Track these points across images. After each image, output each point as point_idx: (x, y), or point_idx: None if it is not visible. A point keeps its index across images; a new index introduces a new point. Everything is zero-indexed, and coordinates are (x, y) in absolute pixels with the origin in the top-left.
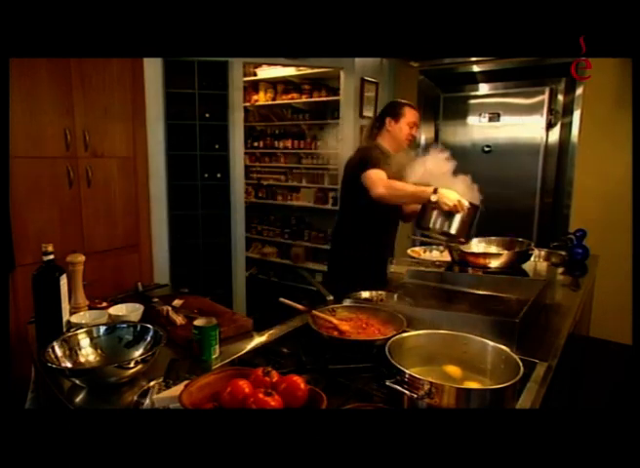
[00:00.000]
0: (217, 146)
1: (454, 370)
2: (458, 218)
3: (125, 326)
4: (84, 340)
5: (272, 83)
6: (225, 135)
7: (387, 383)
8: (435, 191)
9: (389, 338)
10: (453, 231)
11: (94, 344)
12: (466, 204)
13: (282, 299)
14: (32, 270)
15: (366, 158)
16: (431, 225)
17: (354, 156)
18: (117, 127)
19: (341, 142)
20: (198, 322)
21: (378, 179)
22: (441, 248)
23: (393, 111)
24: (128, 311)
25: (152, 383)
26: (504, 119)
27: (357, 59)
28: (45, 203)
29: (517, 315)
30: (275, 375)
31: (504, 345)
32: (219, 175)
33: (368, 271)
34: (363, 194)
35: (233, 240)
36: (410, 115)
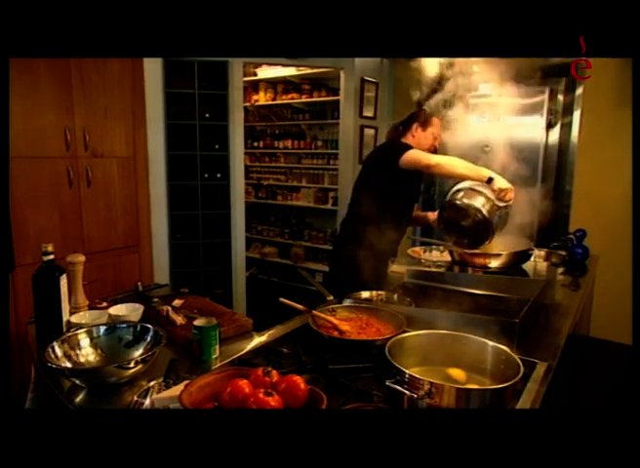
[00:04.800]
0: (217, 146)
1: (458, 373)
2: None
3: (125, 326)
4: (84, 340)
5: (272, 83)
6: (225, 135)
7: (387, 383)
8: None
9: (389, 338)
10: (485, 212)
11: (94, 344)
12: (512, 197)
13: (282, 299)
14: (32, 270)
15: (400, 145)
16: (471, 201)
17: (380, 149)
18: (117, 127)
19: (341, 142)
20: (198, 322)
21: (425, 153)
22: (441, 248)
23: (423, 119)
24: (128, 311)
25: (152, 383)
26: (504, 119)
27: (357, 59)
28: (45, 203)
29: (517, 315)
30: (275, 375)
31: (504, 345)
32: (219, 175)
33: (371, 270)
34: (384, 186)
35: (233, 240)
36: (437, 126)
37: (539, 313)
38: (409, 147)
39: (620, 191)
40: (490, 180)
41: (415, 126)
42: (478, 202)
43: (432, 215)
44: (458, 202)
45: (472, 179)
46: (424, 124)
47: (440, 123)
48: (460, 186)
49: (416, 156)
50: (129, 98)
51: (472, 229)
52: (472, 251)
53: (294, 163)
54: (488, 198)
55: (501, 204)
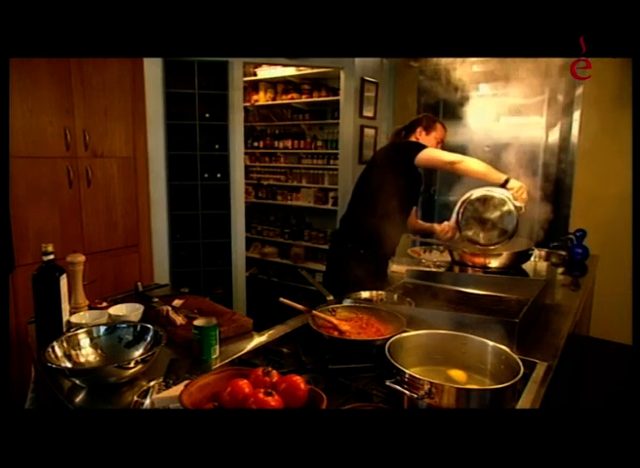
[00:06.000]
0: (217, 146)
1: (458, 374)
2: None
3: (125, 326)
4: (84, 340)
5: (272, 83)
6: (225, 135)
7: (387, 383)
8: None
9: (389, 338)
10: (511, 203)
11: (94, 344)
12: (525, 198)
13: (282, 299)
14: (32, 270)
15: (415, 143)
16: (496, 194)
17: (393, 147)
18: (117, 127)
19: (341, 142)
20: (198, 322)
21: (443, 151)
22: (441, 248)
23: (427, 123)
24: (128, 311)
25: (152, 383)
26: (504, 119)
27: (357, 59)
28: (45, 203)
29: (517, 315)
30: (275, 375)
31: (504, 345)
32: (219, 175)
33: (371, 269)
34: (390, 185)
35: (233, 240)
36: (440, 132)
37: (539, 313)
38: (424, 146)
39: (619, 191)
40: (507, 181)
41: (419, 130)
42: (504, 194)
43: (439, 227)
44: (486, 193)
45: (490, 178)
46: (429, 128)
47: (443, 128)
48: (475, 189)
49: (435, 153)
50: (129, 98)
51: (497, 221)
52: (490, 245)
53: (294, 163)
54: (507, 197)
55: (518, 204)
